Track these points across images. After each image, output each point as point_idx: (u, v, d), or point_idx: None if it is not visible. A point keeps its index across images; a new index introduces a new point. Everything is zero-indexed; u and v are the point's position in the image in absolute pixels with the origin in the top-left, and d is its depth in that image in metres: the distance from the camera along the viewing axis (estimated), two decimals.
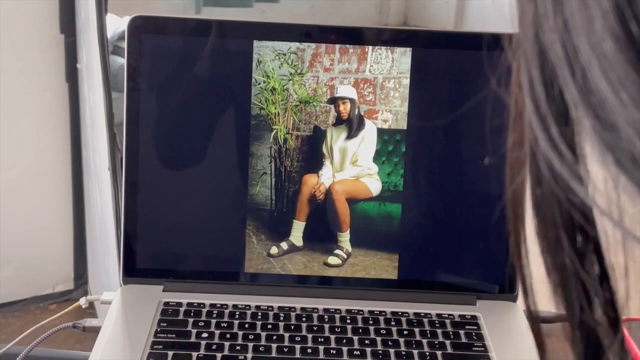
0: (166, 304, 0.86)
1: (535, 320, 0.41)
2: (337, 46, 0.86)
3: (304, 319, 0.84)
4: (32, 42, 2.33)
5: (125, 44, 0.87)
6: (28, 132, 2.40)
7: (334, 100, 0.87)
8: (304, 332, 0.82)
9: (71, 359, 0.99)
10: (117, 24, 2.60)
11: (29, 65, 2.35)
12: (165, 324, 0.82)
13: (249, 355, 0.78)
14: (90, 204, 2.47)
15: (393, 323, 0.84)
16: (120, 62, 2.38)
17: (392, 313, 0.86)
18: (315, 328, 0.83)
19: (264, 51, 0.86)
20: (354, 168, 0.88)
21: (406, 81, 0.87)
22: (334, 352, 0.80)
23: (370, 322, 0.84)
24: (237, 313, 0.84)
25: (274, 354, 0.79)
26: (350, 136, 0.88)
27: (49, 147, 2.43)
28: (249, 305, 0.85)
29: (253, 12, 4.20)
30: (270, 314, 0.85)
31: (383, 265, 0.89)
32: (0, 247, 2.45)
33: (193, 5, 4.16)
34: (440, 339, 0.82)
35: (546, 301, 0.90)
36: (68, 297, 2.37)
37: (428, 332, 0.83)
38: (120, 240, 0.89)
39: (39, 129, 2.40)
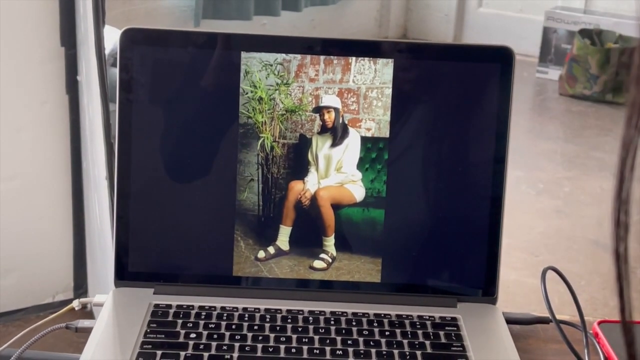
0: (156, 306, 0.87)
1: (629, 332, 0.41)
2: (322, 57, 0.88)
3: (289, 321, 0.85)
4: (33, 54, 2.35)
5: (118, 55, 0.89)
6: (29, 143, 2.42)
7: (319, 110, 0.89)
8: (289, 333, 0.83)
9: None
10: (117, 37, 2.62)
11: (30, 78, 2.36)
12: (155, 325, 0.84)
13: (235, 354, 0.79)
14: (90, 214, 2.48)
15: (375, 324, 0.85)
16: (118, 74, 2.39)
17: (375, 315, 0.87)
18: (299, 329, 0.84)
19: (252, 62, 0.88)
20: (338, 175, 0.90)
21: (388, 91, 0.88)
22: (317, 351, 0.81)
23: (354, 323, 0.85)
24: (225, 315, 0.85)
25: (259, 354, 0.80)
26: (334, 144, 0.89)
27: (49, 158, 2.44)
28: (236, 307, 0.87)
29: (253, 25, 4.21)
30: (257, 315, 0.86)
31: (367, 269, 0.90)
32: (0, 256, 2.47)
33: (192, 18, 4.17)
34: (421, 339, 0.83)
35: (523, 304, 0.93)
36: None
37: (409, 332, 0.84)
38: (113, 246, 0.91)
39: (40, 140, 2.42)
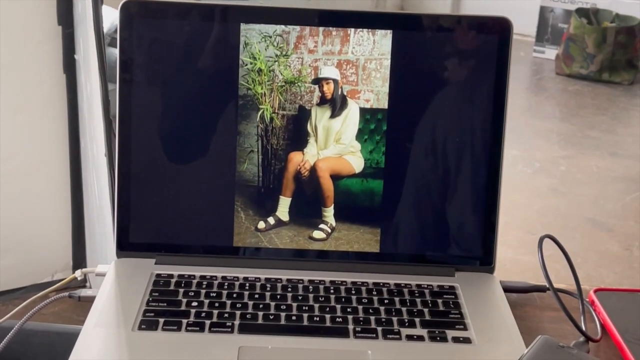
0: (158, 275, 0.87)
1: None
2: (321, 29, 0.88)
3: (289, 290, 0.86)
4: (29, 34, 2.34)
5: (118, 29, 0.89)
6: (27, 123, 2.42)
7: (318, 81, 0.89)
8: (289, 302, 0.84)
9: (64, 332, 1.00)
10: (114, 16, 2.62)
11: (27, 58, 2.36)
12: (157, 294, 0.84)
13: (237, 322, 0.80)
14: (88, 192, 2.48)
15: (374, 293, 0.86)
16: (117, 54, 2.39)
17: (374, 284, 0.88)
18: (299, 297, 0.85)
19: (251, 34, 0.88)
20: (337, 146, 0.90)
21: (387, 62, 0.89)
22: (317, 319, 0.81)
23: (353, 292, 0.86)
24: (226, 284, 0.86)
25: (260, 321, 0.81)
26: (333, 115, 0.89)
27: (47, 138, 2.44)
28: (237, 277, 0.87)
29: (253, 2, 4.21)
30: (257, 284, 0.86)
31: (366, 239, 0.91)
32: (1, 240, 2.48)
33: None
34: (419, 307, 0.84)
35: (520, 275, 0.93)
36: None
37: (407, 300, 0.85)
38: (114, 218, 0.91)
39: (38, 120, 2.41)
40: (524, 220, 3.16)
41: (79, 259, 2.59)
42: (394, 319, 0.82)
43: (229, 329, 0.79)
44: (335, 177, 0.91)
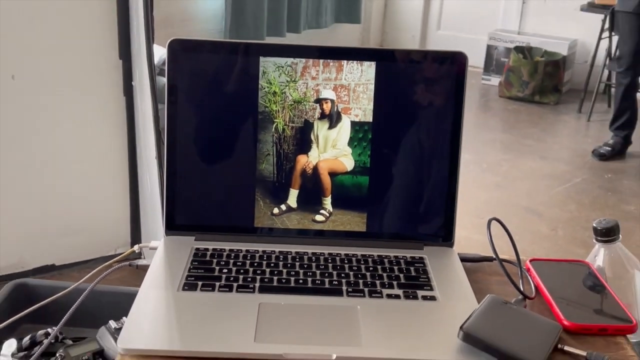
0: (197, 249, 0.87)
1: None
2: (321, 61, 0.88)
3: (297, 260, 0.86)
4: (98, 65, 2.35)
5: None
6: (96, 134, 2.42)
7: (318, 101, 0.89)
8: (297, 269, 0.84)
9: (125, 292, 1.01)
10: (162, 52, 2.62)
11: (96, 83, 2.37)
12: (196, 263, 0.84)
13: (257, 284, 0.80)
14: (143, 186, 2.49)
15: (362, 262, 0.86)
16: (164, 81, 2.40)
17: (362, 255, 0.88)
18: (305, 266, 0.85)
19: (268, 65, 0.88)
20: (333, 150, 0.90)
21: (372, 86, 0.89)
22: (319, 282, 0.82)
23: (345, 261, 0.86)
24: (249, 255, 0.86)
25: (275, 284, 0.81)
26: (331, 127, 0.89)
27: (111, 145, 2.44)
28: (257, 250, 0.87)
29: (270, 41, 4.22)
30: (273, 256, 0.87)
31: (355, 221, 0.91)
32: (76, 220, 2.48)
33: (222, 38, 4.17)
34: (396, 273, 0.84)
35: (472, 249, 0.92)
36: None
37: (387, 268, 0.85)
38: (163, 205, 0.91)
39: (104, 132, 2.42)
40: (475, 208, 3.16)
41: (135, 237, 2.60)
42: (377, 282, 0.82)
43: (251, 290, 0.80)
44: (332, 174, 0.91)
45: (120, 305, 0.89)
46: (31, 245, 2.44)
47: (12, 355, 0.90)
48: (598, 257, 0.92)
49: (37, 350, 0.86)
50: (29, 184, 2.38)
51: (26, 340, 0.94)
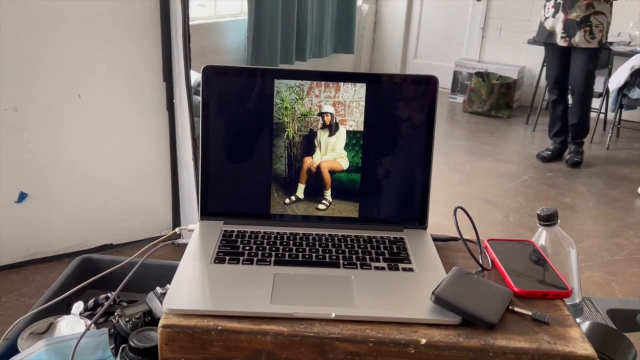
0: (225, 231, 0.87)
1: None
2: (323, 82, 0.88)
3: (304, 240, 0.86)
4: (146, 87, 2.35)
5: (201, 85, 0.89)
6: (145, 141, 2.42)
7: (321, 114, 0.89)
8: (304, 247, 0.84)
9: (169, 265, 1.01)
10: (197, 76, 2.63)
11: (145, 101, 2.37)
12: (224, 242, 0.84)
13: (272, 259, 0.80)
14: (182, 182, 2.50)
15: (355, 242, 0.86)
16: (199, 99, 2.40)
17: (355, 236, 0.87)
18: (310, 244, 0.85)
19: (281, 85, 0.88)
20: (333, 153, 0.89)
21: (363, 103, 0.88)
22: (321, 257, 0.81)
23: (342, 241, 0.86)
24: (266, 236, 0.86)
25: (287, 258, 0.81)
26: (330, 135, 0.89)
27: (157, 150, 2.45)
28: (272, 232, 0.87)
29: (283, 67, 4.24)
30: (285, 237, 0.86)
31: (350, 209, 0.91)
32: (129, 209, 2.48)
33: (245, 65, 4.18)
34: (382, 250, 0.84)
35: (442, 231, 0.92)
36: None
37: (375, 245, 0.85)
38: (198, 196, 0.91)
39: (151, 139, 2.42)
40: (444, 199, 3.16)
41: (176, 222, 2.60)
42: (367, 257, 0.82)
43: (268, 263, 0.79)
44: (332, 172, 0.90)
45: (164, 275, 0.89)
46: (94, 229, 2.45)
47: (80, 314, 0.91)
48: (541, 237, 0.92)
49: (99, 310, 0.86)
50: (91, 180, 2.39)
51: (91, 302, 0.94)
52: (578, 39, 3.51)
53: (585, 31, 3.48)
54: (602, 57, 3.93)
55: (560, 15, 3.53)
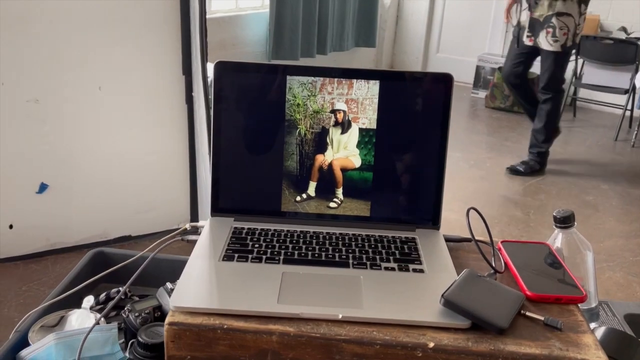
0: (235, 228, 0.87)
1: None
2: (336, 79, 0.87)
3: (314, 238, 0.85)
4: (166, 79, 2.36)
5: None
6: (164, 133, 2.44)
7: (333, 111, 0.88)
8: (314, 245, 0.83)
9: (179, 260, 1.01)
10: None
11: (165, 94, 2.38)
12: (234, 239, 0.84)
13: (281, 257, 0.79)
14: (200, 175, 2.51)
15: (366, 241, 0.85)
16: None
17: (366, 235, 0.86)
18: (320, 243, 0.84)
19: (293, 82, 0.87)
20: (345, 151, 0.89)
21: (376, 100, 0.87)
22: (331, 256, 0.81)
23: (352, 240, 0.85)
24: (276, 234, 0.85)
25: (296, 257, 0.80)
26: (343, 132, 0.88)
27: (176, 141, 2.46)
28: (282, 230, 0.86)
29: (299, 62, 4.21)
30: (295, 234, 0.85)
31: (361, 208, 0.90)
32: (147, 201, 2.50)
33: (265, 59, 4.18)
34: (393, 250, 0.83)
35: (458, 232, 0.90)
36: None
37: (386, 245, 0.84)
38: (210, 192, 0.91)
39: (170, 132, 2.44)
40: (464, 196, 3.12)
41: (193, 214, 2.61)
42: (377, 257, 0.81)
43: (277, 261, 0.79)
44: (343, 170, 0.89)
45: (176, 271, 0.88)
46: (113, 220, 2.47)
47: (90, 308, 0.91)
48: (557, 240, 0.90)
49: (110, 304, 0.86)
50: (111, 172, 2.41)
51: (102, 296, 0.95)
52: (541, 39, 3.25)
53: (548, 32, 3.20)
54: (613, 54, 3.81)
55: (528, 12, 3.27)
